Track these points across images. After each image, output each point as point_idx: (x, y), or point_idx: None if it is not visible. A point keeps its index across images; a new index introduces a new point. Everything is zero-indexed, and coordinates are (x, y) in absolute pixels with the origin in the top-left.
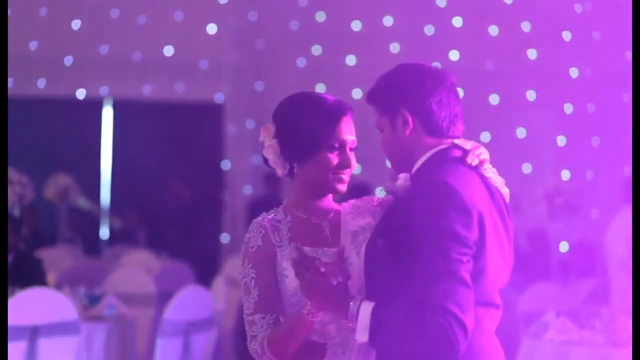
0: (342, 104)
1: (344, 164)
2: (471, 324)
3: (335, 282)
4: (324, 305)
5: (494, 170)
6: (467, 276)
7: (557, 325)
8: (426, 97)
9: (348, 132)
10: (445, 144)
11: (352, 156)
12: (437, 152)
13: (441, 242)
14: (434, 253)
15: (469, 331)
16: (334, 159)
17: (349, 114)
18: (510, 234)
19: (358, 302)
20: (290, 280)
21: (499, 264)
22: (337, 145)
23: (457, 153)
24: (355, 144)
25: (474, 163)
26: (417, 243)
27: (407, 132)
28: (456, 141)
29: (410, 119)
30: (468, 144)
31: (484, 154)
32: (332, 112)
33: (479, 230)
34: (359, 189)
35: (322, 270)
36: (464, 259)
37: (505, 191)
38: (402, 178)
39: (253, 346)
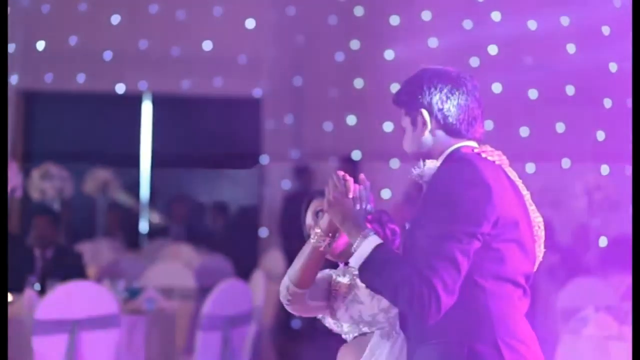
0: None
1: None
2: (449, 303)
3: (357, 208)
4: (340, 222)
5: (514, 173)
6: (460, 258)
7: (597, 321)
8: (444, 100)
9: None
10: (465, 144)
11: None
12: (457, 148)
13: (450, 217)
14: (441, 225)
15: (444, 308)
16: None
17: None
18: (532, 231)
19: (370, 233)
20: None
21: (528, 250)
22: None
23: (478, 151)
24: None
25: (495, 159)
26: (431, 210)
27: (426, 132)
28: (474, 144)
29: (428, 120)
30: (487, 148)
31: (503, 157)
32: None
33: (504, 210)
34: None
35: (350, 195)
36: (465, 240)
37: (526, 192)
38: (429, 162)
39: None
